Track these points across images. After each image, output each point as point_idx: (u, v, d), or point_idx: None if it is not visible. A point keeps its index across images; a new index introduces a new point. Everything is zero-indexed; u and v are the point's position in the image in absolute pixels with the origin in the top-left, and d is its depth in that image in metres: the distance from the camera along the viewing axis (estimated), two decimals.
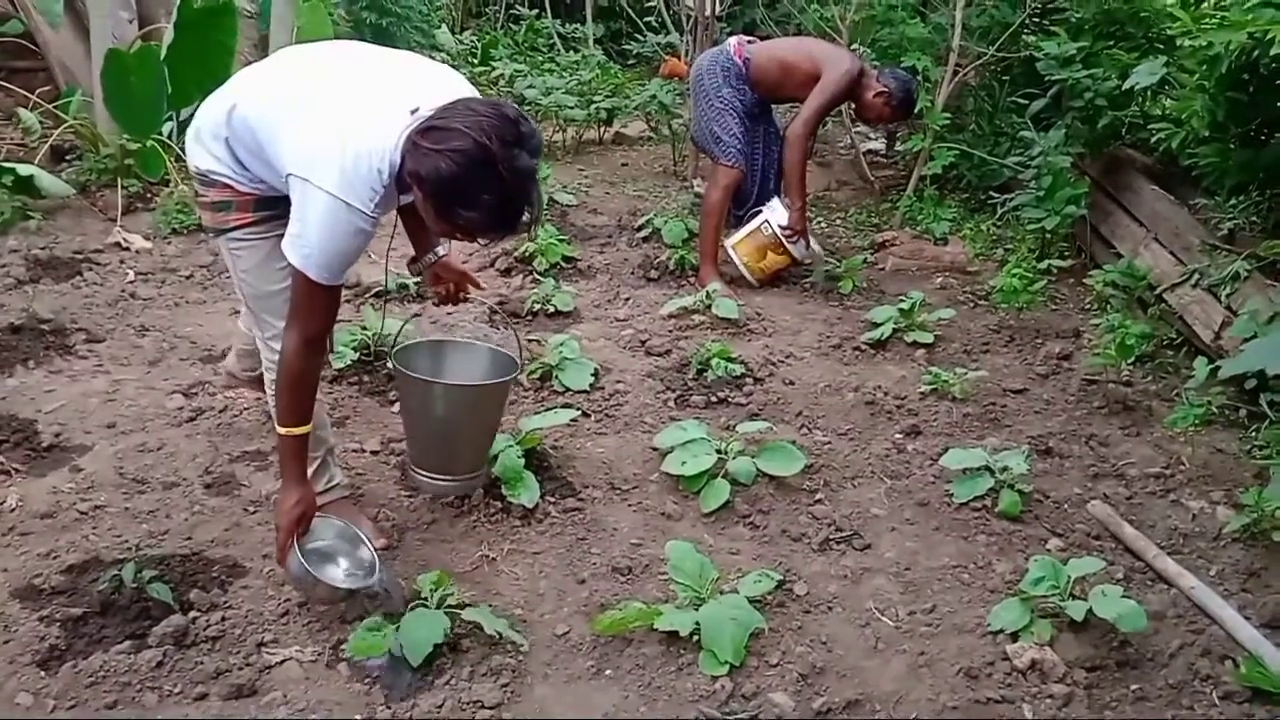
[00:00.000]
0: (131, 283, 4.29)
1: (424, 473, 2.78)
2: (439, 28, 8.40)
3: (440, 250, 2.65)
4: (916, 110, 4.83)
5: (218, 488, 2.87)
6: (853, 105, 4.75)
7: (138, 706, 2.07)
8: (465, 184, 1.92)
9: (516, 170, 1.94)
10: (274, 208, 2.27)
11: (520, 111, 2.02)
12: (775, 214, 4.57)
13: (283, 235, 2.15)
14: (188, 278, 4.40)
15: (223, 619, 2.31)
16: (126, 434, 3.11)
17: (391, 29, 7.05)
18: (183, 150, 5.10)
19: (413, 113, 2.04)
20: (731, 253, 4.65)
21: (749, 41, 4.71)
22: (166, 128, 5.31)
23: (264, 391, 2.74)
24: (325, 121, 2.06)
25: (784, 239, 4.55)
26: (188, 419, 3.22)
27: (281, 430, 2.27)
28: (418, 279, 3.60)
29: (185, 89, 5.10)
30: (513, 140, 1.93)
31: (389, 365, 2.70)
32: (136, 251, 4.61)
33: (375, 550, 2.40)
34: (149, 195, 5.14)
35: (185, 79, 5.04)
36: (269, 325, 2.43)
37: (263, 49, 5.54)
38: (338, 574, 2.37)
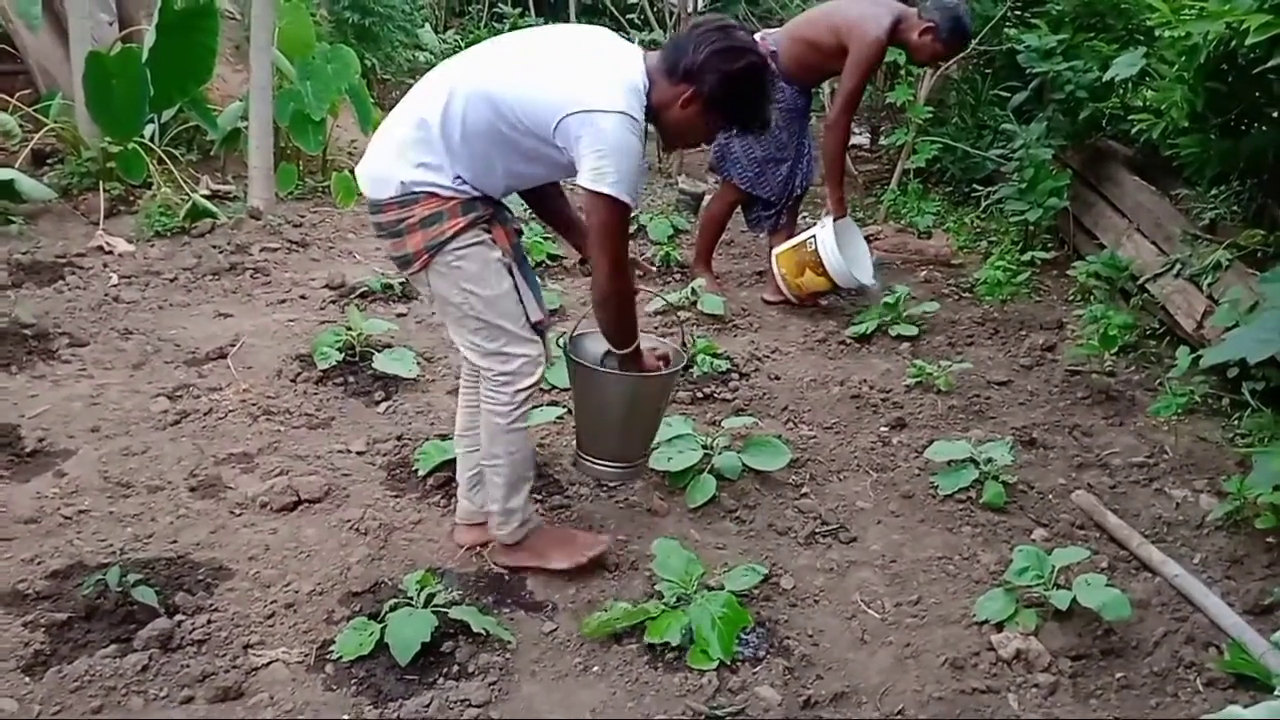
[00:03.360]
0: (115, 286, 4.27)
1: (594, 460, 2.78)
2: (421, 26, 8.37)
3: None
4: (958, 46, 4.37)
5: (202, 490, 2.86)
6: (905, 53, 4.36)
7: (123, 711, 2.06)
8: (757, 88, 2.33)
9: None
10: (478, 209, 2.30)
11: None
12: (824, 232, 4.20)
13: (489, 240, 2.31)
14: (171, 280, 4.38)
15: (208, 622, 2.31)
16: (110, 438, 3.10)
17: (374, 28, 7.01)
18: (165, 152, 5.20)
19: (645, 47, 2.39)
20: (773, 262, 4.39)
21: (769, 33, 4.35)
22: (148, 130, 5.30)
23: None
24: (580, 65, 2.26)
25: (823, 258, 4.18)
26: (172, 422, 3.21)
27: (625, 351, 2.50)
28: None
29: (167, 91, 5.09)
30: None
31: (563, 354, 2.68)
32: (119, 255, 4.59)
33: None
34: (131, 198, 5.13)
35: (167, 81, 5.03)
36: (503, 332, 2.35)
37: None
38: None
